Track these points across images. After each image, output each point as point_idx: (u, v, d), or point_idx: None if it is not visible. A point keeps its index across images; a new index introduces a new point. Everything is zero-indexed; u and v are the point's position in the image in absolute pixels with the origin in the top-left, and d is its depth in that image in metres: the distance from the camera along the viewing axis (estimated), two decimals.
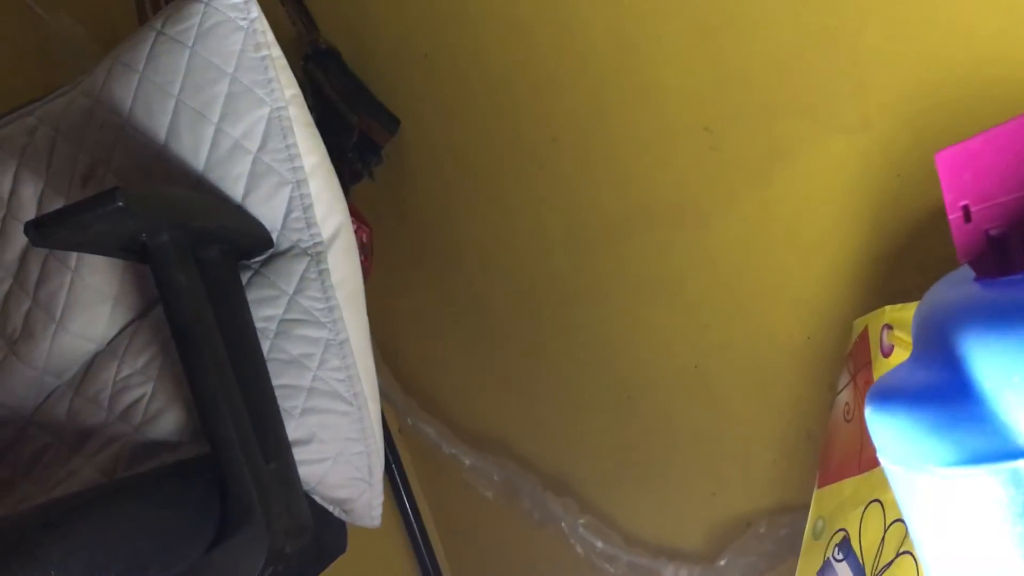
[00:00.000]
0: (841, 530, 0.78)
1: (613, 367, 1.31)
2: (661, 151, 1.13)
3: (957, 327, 0.30)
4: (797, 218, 1.01)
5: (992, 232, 0.32)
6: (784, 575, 1.05)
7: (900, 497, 0.34)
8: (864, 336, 0.83)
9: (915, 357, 0.35)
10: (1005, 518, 0.29)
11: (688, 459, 1.25)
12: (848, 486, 0.79)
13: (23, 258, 0.96)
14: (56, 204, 0.95)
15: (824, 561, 0.79)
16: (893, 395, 0.33)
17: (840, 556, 0.77)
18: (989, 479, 0.29)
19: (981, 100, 0.84)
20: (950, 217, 0.33)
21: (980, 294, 0.32)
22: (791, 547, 1.02)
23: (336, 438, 0.91)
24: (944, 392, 0.30)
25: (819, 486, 0.87)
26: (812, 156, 0.98)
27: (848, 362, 0.87)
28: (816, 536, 0.84)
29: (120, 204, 0.70)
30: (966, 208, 0.33)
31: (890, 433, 0.32)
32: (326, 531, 0.94)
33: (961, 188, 0.33)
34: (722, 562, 1.15)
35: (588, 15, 1.15)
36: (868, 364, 0.81)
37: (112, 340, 0.93)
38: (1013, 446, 0.28)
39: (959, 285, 0.34)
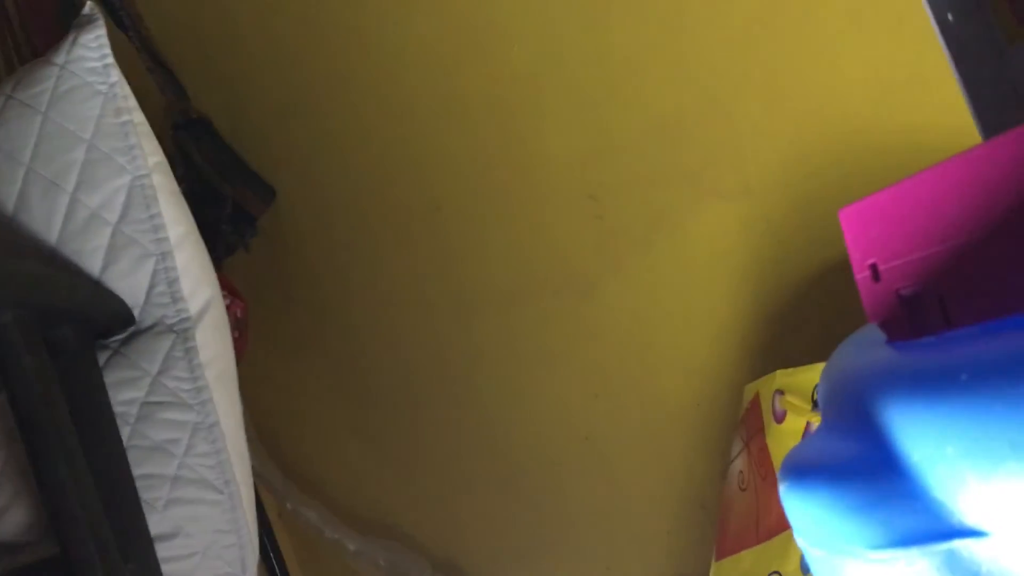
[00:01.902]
0: None
1: (500, 441, 1.28)
2: (546, 220, 1.12)
3: (877, 396, 0.28)
4: (683, 284, 1.01)
5: (903, 292, 0.30)
6: None
7: None
8: (755, 402, 0.82)
9: (828, 427, 0.32)
10: None
11: (581, 534, 1.21)
12: (746, 558, 0.77)
13: None
14: None
15: None
16: (810, 472, 0.30)
17: None
18: (923, 561, 0.26)
19: (856, 166, 0.86)
20: (857, 277, 0.31)
21: (897, 359, 0.29)
22: None
23: (205, 530, 0.84)
24: (868, 467, 0.28)
25: (717, 559, 0.84)
26: (695, 222, 0.98)
27: (740, 429, 0.86)
28: None
29: None
30: (874, 267, 0.31)
31: (809, 514, 0.30)
32: None
33: (868, 246, 0.31)
34: None
35: (469, 85, 1.14)
36: (761, 430, 0.80)
37: None
38: (947, 525, 0.25)
39: (869, 348, 0.32)
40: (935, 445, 0.25)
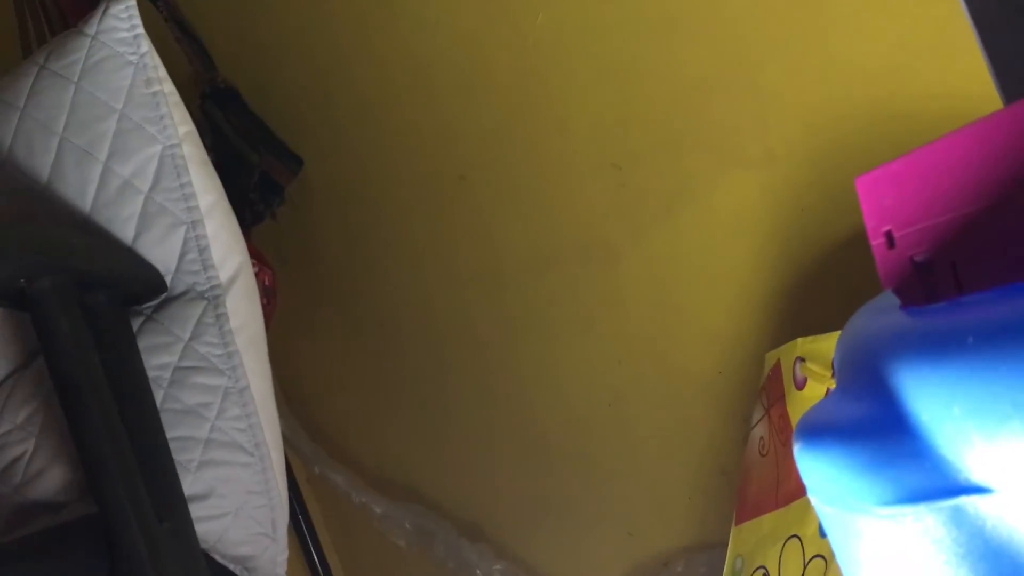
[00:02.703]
0: (760, 568, 0.77)
1: (525, 407, 1.29)
2: (570, 189, 1.12)
3: (888, 358, 0.29)
4: (706, 253, 1.01)
5: (917, 258, 0.31)
6: None
7: (834, 540, 0.32)
8: (776, 369, 0.82)
9: (842, 390, 0.33)
10: (948, 560, 0.27)
11: (604, 499, 1.23)
12: (766, 522, 0.79)
13: None
14: None
15: None
16: (823, 432, 0.31)
17: None
18: (930, 517, 0.27)
19: (879, 134, 0.86)
20: (872, 243, 0.32)
21: (909, 323, 0.30)
22: None
23: (236, 492, 0.87)
24: (878, 427, 0.29)
25: (737, 523, 0.86)
26: (718, 191, 0.98)
27: (761, 396, 0.86)
28: (735, 574, 0.83)
29: None
30: (889, 234, 0.32)
31: (822, 472, 0.31)
32: None
33: (883, 213, 0.32)
34: None
35: (493, 54, 1.14)
36: (782, 397, 0.80)
37: None
38: (954, 482, 0.26)
39: (883, 313, 0.33)
40: (942, 405, 0.26)
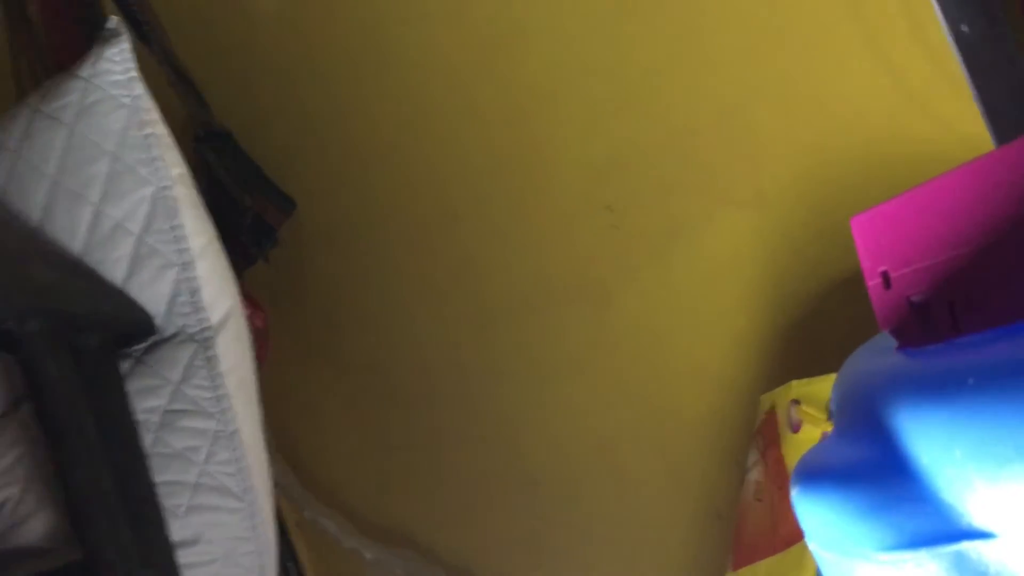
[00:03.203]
0: None
1: (516, 450, 1.28)
2: (563, 229, 1.12)
3: (886, 401, 0.28)
4: (698, 294, 1.01)
5: (914, 299, 0.31)
6: None
7: None
8: (771, 413, 0.82)
9: (840, 433, 0.33)
10: None
11: (596, 543, 1.21)
12: (762, 568, 0.77)
13: None
14: None
15: None
16: (821, 476, 0.30)
17: None
18: (932, 564, 0.26)
19: (871, 176, 0.86)
20: (868, 284, 0.32)
21: (907, 364, 0.30)
22: None
23: (224, 537, 0.85)
24: (878, 471, 0.28)
25: (732, 568, 0.85)
26: (710, 232, 0.99)
27: (756, 439, 0.86)
28: None
29: None
30: (885, 274, 0.31)
31: (820, 517, 0.30)
32: None
33: (879, 253, 0.32)
34: None
35: (487, 97, 1.15)
36: (777, 441, 0.80)
37: None
38: (956, 527, 0.26)
39: (881, 355, 0.33)
40: (943, 448, 0.25)
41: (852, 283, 0.86)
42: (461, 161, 1.20)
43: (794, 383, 0.79)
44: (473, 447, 1.34)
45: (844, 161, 0.88)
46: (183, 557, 0.82)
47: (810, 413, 0.76)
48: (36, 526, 0.82)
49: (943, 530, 0.26)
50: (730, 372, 0.99)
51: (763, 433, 0.83)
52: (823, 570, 0.32)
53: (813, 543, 0.31)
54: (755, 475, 0.84)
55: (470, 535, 1.40)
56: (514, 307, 1.21)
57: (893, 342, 0.32)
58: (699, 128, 0.98)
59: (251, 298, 1.38)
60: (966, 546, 0.26)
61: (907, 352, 0.31)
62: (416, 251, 1.30)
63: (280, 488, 1.54)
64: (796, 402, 0.78)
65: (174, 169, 0.89)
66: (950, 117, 0.75)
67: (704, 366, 1.02)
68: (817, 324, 0.90)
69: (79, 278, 0.84)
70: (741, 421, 0.96)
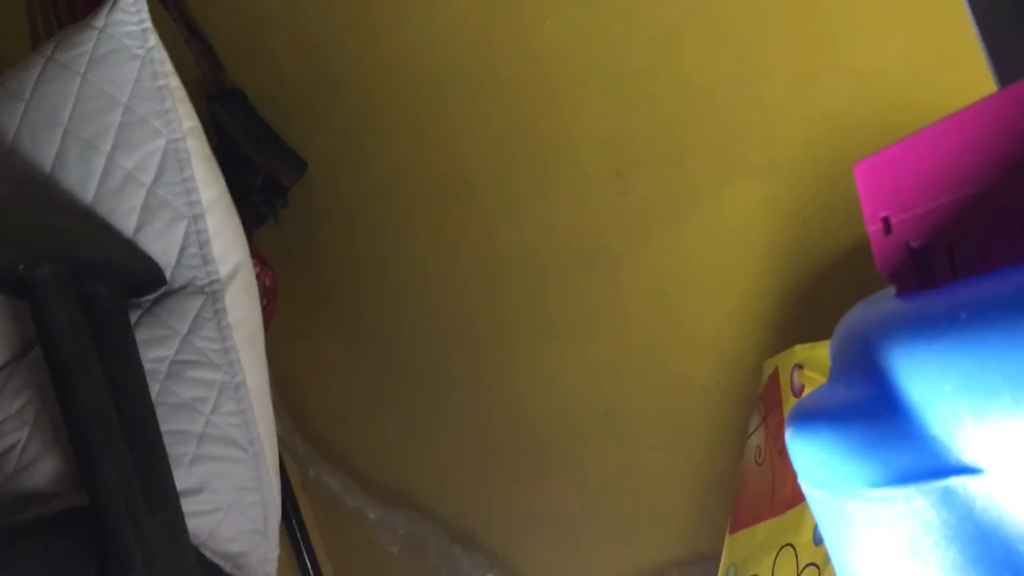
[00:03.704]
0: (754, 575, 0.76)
1: (522, 414, 1.29)
2: (573, 195, 1.12)
3: (880, 338, 0.29)
4: (707, 261, 1.01)
5: (913, 244, 0.31)
6: None
7: (824, 526, 0.32)
8: (774, 377, 0.82)
9: (834, 379, 0.33)
10: (936, 542, 0.27)
11: (599, 508, 1.22)
12: (760, 531, 0.78)
13: None
14: None
15: None
16: (814, 416, 0.31)
17: None
18: (920, 499, 0.27)
19: (884, 145, 0.85)
20: (869, 230, 0.32)
21: (904, 306, 0.30)
22: None
23: (229, 487, 0.86)
24: (869, 408, 0.28)
25: (731, 532, 0.85)
26: (720, 199, 0.98)
27: (759, 404, 0.86)
28: None
29: None
30: (886, 220, 0.32)
31: (812, 455, 0.30)
32: None
33: (880, 199, 0.32)
34: None
35: (499, 61, 1.14)
36: (779, 405, 0.80)
37: None
38: (944, 463, 0.26)
39: (880, 303, 0.33)
40: (934, 383, 0.26)
41: (859, 252, 0.86)
42: (473, 124, 1.20)
43: (798, 347, 0.80)
44: (479, 410, 1.35)
45: (857, 130, 0.88)
46: (188, 505, 0.83)
47: (813, 377, 0.76)
48: (43, 470, 0.83)
49: (932, 466, 0.26)
50: (736, 339, 0.99)
51: (765, 398, 0.84)
52: (815, 511, 0.33)
53: (806, 483, 0.32)
54: (756, 439, 0.85)
55: (473, 497, 1.41)
56: (523, 272, 1.21)
57: (891, 294, 0.32)
58: (712, 96, 0.98)
59: (260, 256, 1.38)
60: (954, 481, 0.26)
61: (905, 297, 0.31)
62: (427, 214, 1.30)
63: (286, 447, 1.55)
64: (799, 366, 0.78)
65: (186, 122, 0.89)
66: (965, 85, 0.74)
67: (712, 333, 1.03)
68: (822, 292, 0.90)
69: (90, 226, 0.84)
70: (745, 388, 0.97)
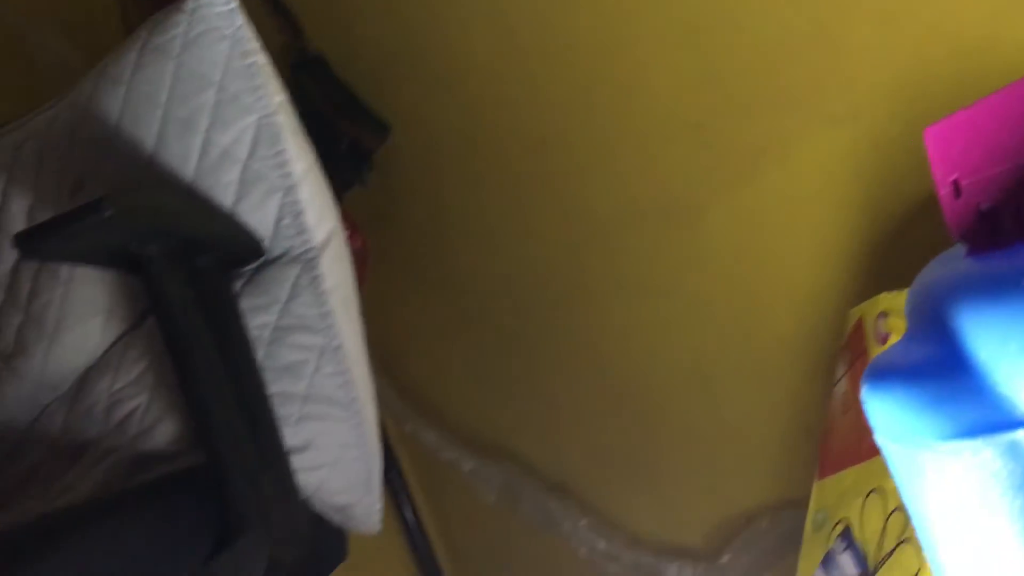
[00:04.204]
0: (842, 520, 0.78)
1: (609, 367, 1.31)
2: (651, 150, 1.13)
3: (950, 300, 0.30)
4: (789, 211, 1.01)
5: (983, 206, 0.32)
6: (786, 570, 1.04)
7: (899, 478, 0.34)
8: (859, 325, 0.82)
9: (909, 336, 0.35)
10: (1004, 492, 0.28)
11: (688, 457, 1.24)
12: (848, 476, 0.79)
13: (15, 272, 0.96)
14: (46, 217, 0.95)
15: (826, 553, 0.79)
16: (888, 373, 0.32)
17: (842, 547, 0.77)
18: (987, 451, 0.28)
19: (968, 89, 0.84)
20: (940, 193, 0.33)
21: (973, 267, 0.31)
22: (793, 542, 1.01)
23: (333, 444, 0.91)
24: (940, 366, 0.30)
25: (819, 478, 0.86)
26: (803, 149, 0.98)
27: (844, 352, 0.87)
28: (817, 528, 0.83)
29: (107, 213, 0.70)
30: (956, 183, 0.33)
31: (886, 411, 0.32)
32: (325, 539, 0.94)
33: (950, 162, 0.33)
34: (724, 559, 1.15)
35: (574, 17, 1.14)
36: (864, 353, 0.81)
37: (106, 352, 0.93)
38: (1010, 416, 0.27)
39: (952, 262, 0.34)
40: (999, 343, 0.27)
41: None
42: (548, 83, 1.21)
43: (883, 295, 0.80)
44: (567, 364, 1.38)
45: (941, 73, 0.86)
46: (296, 462, 0.88)
47: (897, 325, 0.76)
48: (163, 432, 0.88)
49: (999, 420, 0.28)
50: (821, 287, 0.99)
51: (850, 346, 0.84)
52: (891, 464, 0.35)
53: (881, 437, 0.34)
54: (842, 388, 0.85)
55: (564, 449, 1.44)
56: (603, 228, 1.22)
57: (963, 257, 0.34)
58: (791, 43, 0.97)
59: (350, 220, 1.43)
60: (1020, 435, 0.27)
61: (975, 257, 0.32)
62: (506, 173, 1.32)
63: (382, 403, 1.61)
64: (884, 314, 0.78)
65: (276, 97, 0.92)
66: None
67: (795, 282, 1.03)
68: (908, 239, 0.89)
69: (193, 203, 0.89)
70: (831, 336, 0.97)
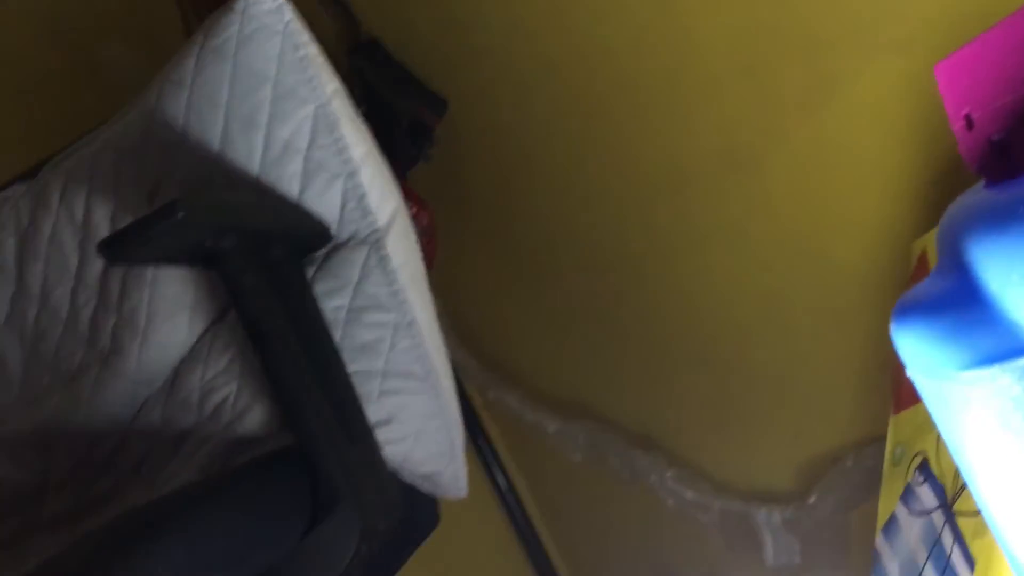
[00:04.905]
0: (919, 453, 0.78)
1: (684, 318, 1.32)
2: (707, 96, 1.12)
3: (964, 232, 0.31)
4: (850, 147, 1.00)
5: (994, 137, 0.33)
6: (874, 507, 1.04)
7: (932, 410, 0.35)
8: (922, 257, 0.82)
9: (936, 269, 0.35)
10: None
11: (769, 401, 1.25)
12: (922, 409, 0.79)
13: (104, 277, 1.01)
14: (128, 223, 1.00)
15: (905, 486, 0.79)
16: (912, 307, 0.33)
17: (921, 479, 0.77)
18: (1005, 378, 0.29)
19: None
20: (953, 127, 0.34)
21: (986, 198, 0.32)
22: (879, 479, 1.01)
23: (415, 416, 0.94)
24: (957, 298, 0.31)
25: (894, 412, 0.86)
26: (859, 83, 0.96)
27: (910, 285, 0.86)
28: (896, 462, 0.83)
29: (180, 215, 0.74)
30: (968, 116, 0.33)
31: (911, 345, 0.33)
32: (416, 507, 0.97)
33: (961, 97, 0.34)
34: (812, 500, 1.15)
35: None
36: None
37: (194, 345, 0.97)
38: (1022, 343, 0.28)
39: (974, 194, 0.35)
40: (1005, 272, 0.28)
41: None
42: (602, 40, 1.21)
43: None
44: (642, 317, 1.39)
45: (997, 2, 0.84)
46: (381, 436, 0.91)
47: None
48: (253, 418, 0.93)
49: (1012, 347, 0.29)
50: (887, 221, 0.98)
51: (916, 278, 0.83)
52: (923, 397, 0.35)
53: (911, 371, 0.35)
54: None
55: (647, 402, 1.46)
56: (666, 179, 1.23)
57: (981, 189, 0.34)
58: None
59: (416, 197, 1.46)
60: None
61: (991, 188, 0.33)
62: (565, 134, 1.33)
63: (464, 373, 1.65)
64: None
65: (329, 85, 0.95)
66: None
67: (860, 218, 1.02)
68: (968, 169, 0.88)
69: (261, 197, 0.92)
70: (899, 270, 0.96)
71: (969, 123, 0.33)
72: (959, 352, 0.30)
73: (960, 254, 0.31)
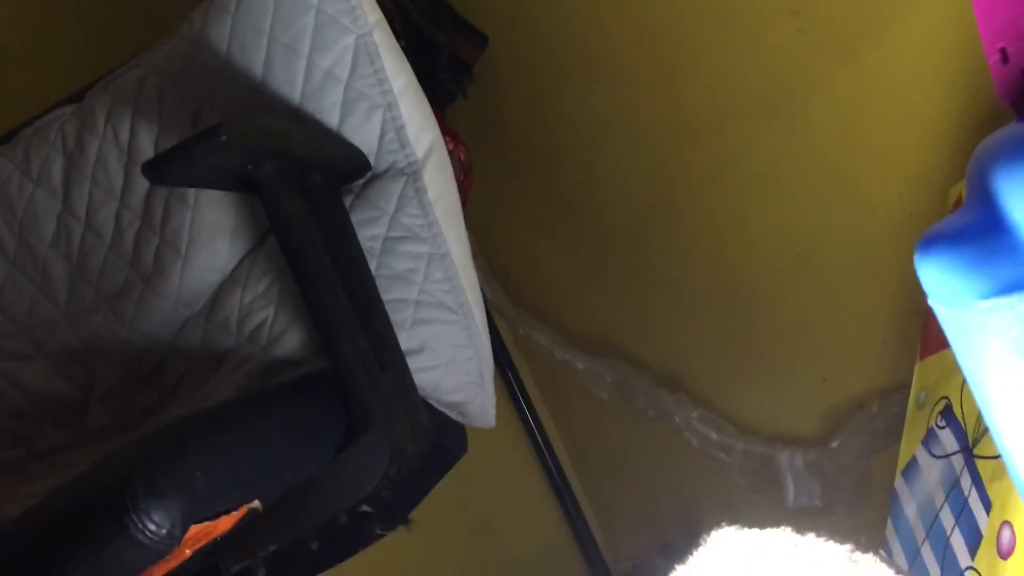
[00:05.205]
0: (943, 398, 0.78)
1: (716, 262, 1.32)
2: (748, 40, 1.11)
3: (992, 164, 0.32)
4: (890, 93, 0.99)
5: None
6: (897, 453, 1.06)
7: (951, 340, 0.36)
8: (959, 203, 0.82)
9: (964, 204, 0.36)
10: None
11: (797, 346, 1.25)
12: (949, 355, 0.79)
13: (148, 199, 1.04)
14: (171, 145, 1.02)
15: (928, 429, 0.80)
16: (937, 239, 0.34)
17: (943, 423, 0.78)
18: (1023, 306, 0.30)
19: None
20: (988, 60, 0.34)
21: (1015, 132, 0.33)
22: (903, 425, 1.02)
23: (446, 346, 0.96)
24: (981, 229, 0.32)
25: (921, 358, 0.87)
26: (900, 28, 0.95)
27: None
28: (919, 406, 0.84)
29: (224, 138, 0.75)
30: (1003, 50, 0.34)
31: (933, 274, 0.34)
32: (445, 434, 1.00)
33: (997, 30, 0.34)
34: (834, 444, 1.16)
35: None
36: None
37: (234, 269, 1.00)
38: None
39: (1006, 130, 0.35)
40: None
41: None
42: None
43: None
44: (674, 260, 1.39)
45: None
46: (413, 363, 0.93)
47: None
48: (290, 341, 0.95)
49: None
50: (925, 169, 0.97)
51: None
52: (944, 327, 0.36)
53: (932, 300, 0.35)
54: None
55: (675, 344, 1.47)
56: (705, 122, 1.22)
57: (1014, 124, 0.34)
58: None
59: (454, 133, 1.46)
60: None
61: (1022, 120, 0.33)
62: (605, 74, 1.32)
63: (497, 309, 1.67)
64: None
65: (371, 16, 0.95)
66: None
67: (898, 165, 1.01)
68: (1007, 114, 0.87)
69: (302, 124, 0.94)
70: (934, 216, 0.95)
71: (1004, 57, 0.33)
72: (979, 280, 0.31)
73: (987, 185, 0.31)
